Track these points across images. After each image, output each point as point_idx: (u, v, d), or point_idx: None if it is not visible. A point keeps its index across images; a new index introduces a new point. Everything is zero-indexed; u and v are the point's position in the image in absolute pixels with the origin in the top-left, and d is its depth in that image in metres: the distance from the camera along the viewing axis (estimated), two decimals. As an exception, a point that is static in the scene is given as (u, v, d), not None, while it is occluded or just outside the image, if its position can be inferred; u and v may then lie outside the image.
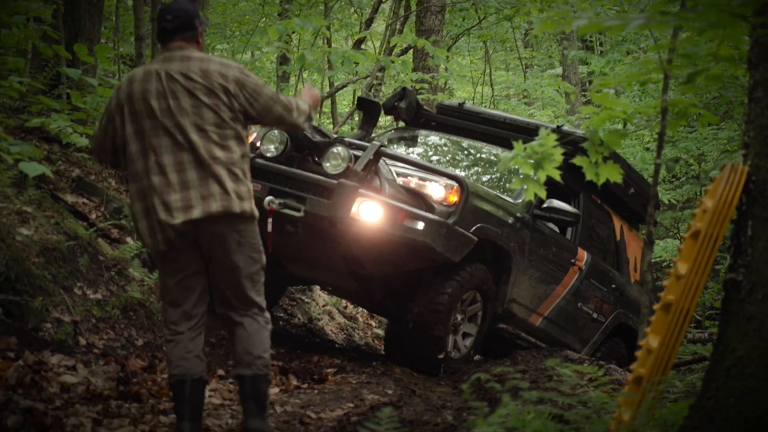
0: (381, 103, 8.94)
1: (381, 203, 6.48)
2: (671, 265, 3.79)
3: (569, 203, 8.36)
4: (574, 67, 18.97)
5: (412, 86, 11.76)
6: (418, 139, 8.95)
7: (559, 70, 20.42)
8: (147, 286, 6.98)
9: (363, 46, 13.60)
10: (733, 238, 3.67)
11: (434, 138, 8.94)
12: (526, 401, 3.85)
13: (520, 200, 7.66)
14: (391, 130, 9.12)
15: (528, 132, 8.14)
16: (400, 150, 8.61)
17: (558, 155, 4.23)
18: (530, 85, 19.32)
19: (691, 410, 3.57)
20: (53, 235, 6.61)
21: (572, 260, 8.17)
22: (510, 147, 8.21)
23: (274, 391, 5.85)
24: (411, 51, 13.12)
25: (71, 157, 7.91)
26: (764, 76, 3.57)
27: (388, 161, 6.92)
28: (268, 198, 6.58)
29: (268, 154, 6.88)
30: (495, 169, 8.27)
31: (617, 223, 9.18)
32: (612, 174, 4.42)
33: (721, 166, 3.74)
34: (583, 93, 18.84)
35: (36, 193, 7.04)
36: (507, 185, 8.06)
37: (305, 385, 6.16)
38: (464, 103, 9.14)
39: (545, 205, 7.63)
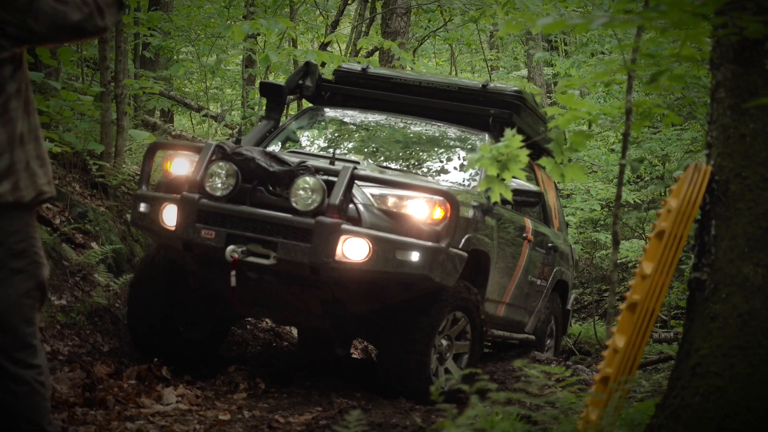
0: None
1: (368, 238, 5.64)
2: (636, 265, 3.81)
3: None
4: (540, 68, 19.07)
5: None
6: (325, 122, 7.90)
7: (524, 72, 20.53)
8: (112, 292, 6.93)
9: (329, 49, 13.58)
10: (697, 238, 3.69)
11: (338, 115, 7.86)
12: (494, 402, 3.85)
13: (477, 185, 6.88)
14: (294, 117, 7.99)
15: (450, 96, 7.67)
16: (305, 136, 7.76)
17: (524, 156, 4.24)
18: (496, 86, 19.35)
19: (658, 409, 3.59)
20: (16, 240, 6.53)
21: (524, 235, 7.63)
22: (433, 116, 7.77)
23: (242, 395, 5.82)
24: (377, 53, 13.13)
25: (34, 161, 7.82)
26: (726, 76, 3.60)
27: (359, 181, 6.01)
28: (230, 248, 5.65)
29: (217, 193, 5.82)
30: (417, 150, 7.48)
31: (537, 171, 8.58)
32: (577, 175, 4.44)
33: (685, 166, 3.77)
34: (548, 95, 18.94)
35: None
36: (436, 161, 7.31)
37: (273, 389, 6.13)
38: (368, 66, 8.05)
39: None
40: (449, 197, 5.81)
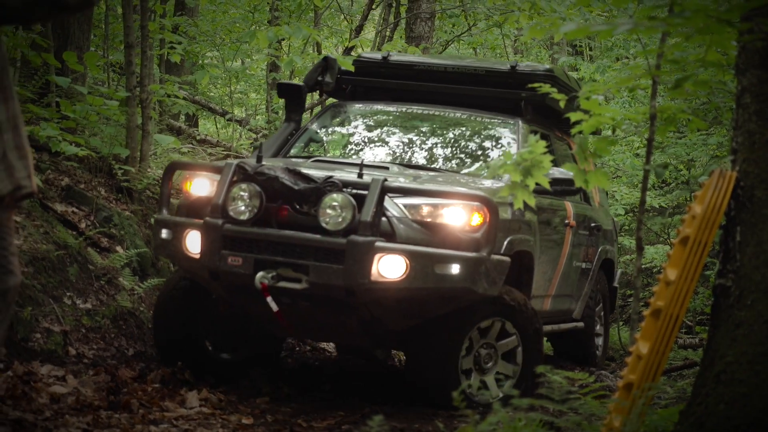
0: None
1: (404, 254, 5.35)
2: (661, 270, 3.79)
3: None
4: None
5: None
6: (350, 119, 7.53)
7: (549, 77, 20.42)
8: (137, 296, 6.97)
9: (353, 54, 13.61)
10: (722, 244, 3.67)
11: (361, 110, 7.49)
12: (516, 408, 3.84)
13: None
14: (316, 117, 7.64)
15: (478, 80, 7.31)
16: (329, 135, 7.41)
17: (547, 162, 4.23)
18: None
19: (681, 416, 3.57)
20: (42, 244, 6.59)
21: (566, 222, 7.28)
22: (462, 103, 7.30)
23: (264, 399, 5.84)
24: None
25: (60, 165, 7.89)
26: (752, 81, 3.58)
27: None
28: (259, 275, 5.40)
29: (242, 217, 5.55)
30: (454, 141, 7.15)
31: (573, 147, 7.98)
32: (601, 181, 4.42)
33: (710, 172, 3.75)
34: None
35: (25, 202, 7.02)
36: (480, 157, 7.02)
37: (296, 394, 6.15)
38: (389, 54, 7.62)
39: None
40: (486, 202, 5.48)
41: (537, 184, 4.16)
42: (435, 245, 5.46)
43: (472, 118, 7.16)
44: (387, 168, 6.23)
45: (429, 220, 5.54)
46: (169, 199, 6.06)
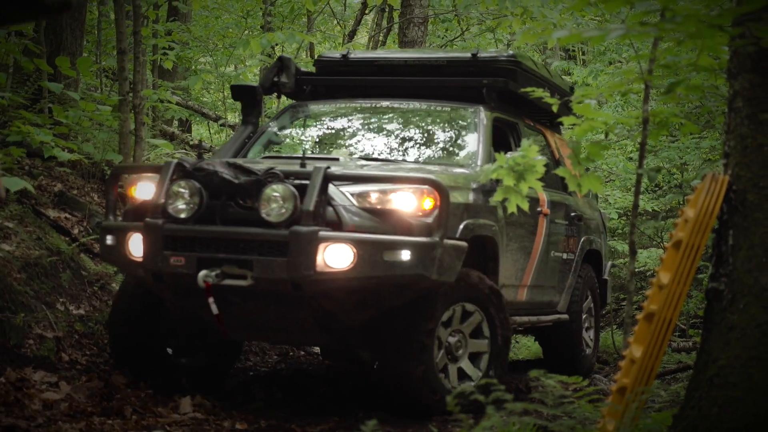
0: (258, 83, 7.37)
1: (350, 243, 5.17)
2: (654, 274, 3.80)
3: (509, 138, 7.21)
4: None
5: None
6: (318, 118, 7.32)
7: (542, 81, 20.45)
8: (130, 301, 6.95)
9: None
10: (715, 248, 3.68)
11: (321, 109, 7.28)
12: (510, 412, 3.84)
13: (478, 165, 6.38)
14: (274, 118, 7.41)
15: (440, 71, 7.10)
16: (287, 136, 7.17)
17: (540, 167, 4.25)
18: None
19: (675, 420, 3.58)
20: (35, 250, 6.58)
21: (538, 209, 7.03)
22: (425, 95, 7.08)
23: (258, 405, 5.83)
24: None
25: (53, 171, 7.88)
26: (743, 86, 3.59)
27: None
28: (202, 273, 5.21)
29: (182, 215, 5.37)
30: (415, 132, 6.92)
31: (550, 138, 7.98)
32: (594, 185, 4.43)
33: (702, 176, 3.76)
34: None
35: (17, 208, 7.01)
36: (440, 146, 6.83)
37: (290, 398, 6.14)
38: (349, 52, 7.47)
39: None
40: (436, 185, 5.32)
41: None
42: (385, 232, 5.29)
43: (431, 108, 6.98)
44: (337, 159, 6.09)
45: (378, 207, 5.37)
46: (116, 205, 5.87)
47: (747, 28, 3.43)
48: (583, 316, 8.16)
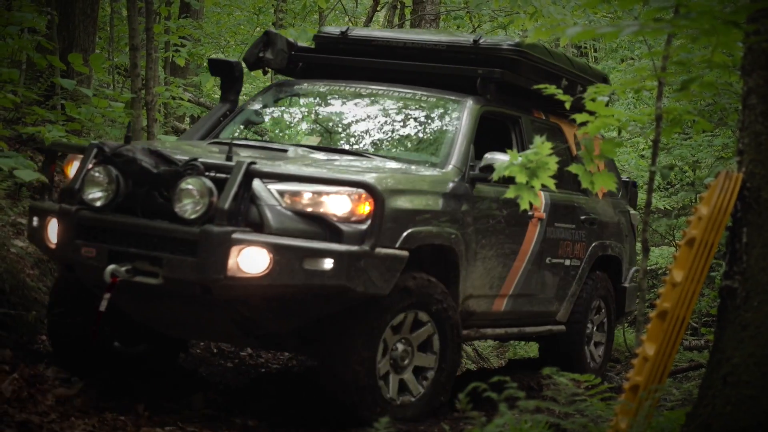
0: (242, 59, 6.91)
1: (267, 247, 4.76)
2: (666, 272, 3.79)
3: (511, 133, 6.72)
4: (569, 74, 18.95)
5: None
6: (299, 99, 6.83)
7: (553, 78, 20.40)
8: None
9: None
10: (729, 246, 3.67)
11: (307, 89, 6.78)
12: (522, 410, 3.84)
13: (450, 166, 5.91)
14: (256, 95, 7.00)
15: (439, 56, 6.65)
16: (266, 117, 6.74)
17: (553, 164, 4.23)
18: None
19: (688, 418, 3.57)
20: (48, 246, 6.59)
21: (529, 213, 6.50)
22: (420, 81, 6.54)
23: (270, 402, 5.84)
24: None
25: (66, 168, 7.89)
26: (758, 83, 3.58)
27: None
28: (110, 267, 4.82)
29: (97, 203, 4.99)
30: (404, 123, 6.47)
31: (569, 132, 7.36)
32: (607, 182, 4.41)
33: (716, 174, 3.75)
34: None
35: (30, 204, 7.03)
36: (421, 139, 6.39)
37: (303, 395, 6.15)
38: (349, 29, 6.95)
39: (485, 164, 5.84)
40: (370, 189, 4.90)
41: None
42: (313, 237, 4.90)
43: (417, 96, 6.51)
44: (285, 150, 5.70)
45: (309, 209, 4.96)
46: (52, 185, 5.57)
47: (762, 24, 3.42)
48: (590, 328, 7.51)
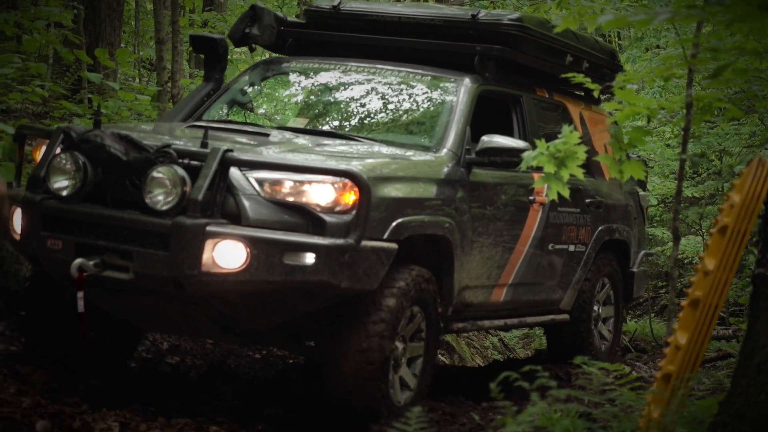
0: (226, 36, 6.64)
1: (244, 241, 4.46)
2: (693, 261, 3.77)
3: (512, 114, 6.39)
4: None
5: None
6: (288, 77, 6.48)
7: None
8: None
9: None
10: (761, 233, 3.63)
11: (296, 67, 6.41)
12: (554, 400, 3.83)
13: (444, 150, 5.61)
14: (241, 74, 6.65)
15: (436, 32, 6.30)
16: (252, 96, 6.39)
17: (581, 153, 4.20)
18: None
19: (721, 407, 3.54)
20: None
21: (530, 198, 6.19)
22: (416, 58, 6.23)
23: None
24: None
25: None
26: (791, 69, 3.54)
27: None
28: (77, 261, 4.52)
29: (64, 192, 4.68)
30: (399, 102, 6.14)
31: (575, 111, 7.05)
32: (636, 171, 4.38)
33: (748, 161, 3.72)
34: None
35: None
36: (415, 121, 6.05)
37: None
38: (341, 3, 6.46)
39: (482, 147, 5.55)
40: (354, 178, 4.59)
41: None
42: (295, 230, 4.62)
43: (410, 75, 6.16)
44: (268, 134, 5.45)
45: (290, 199, 4.66)
46: (20, 170, 5.28)
47: (795, 10, 3.38)
48: (596, 310, 7.20)
